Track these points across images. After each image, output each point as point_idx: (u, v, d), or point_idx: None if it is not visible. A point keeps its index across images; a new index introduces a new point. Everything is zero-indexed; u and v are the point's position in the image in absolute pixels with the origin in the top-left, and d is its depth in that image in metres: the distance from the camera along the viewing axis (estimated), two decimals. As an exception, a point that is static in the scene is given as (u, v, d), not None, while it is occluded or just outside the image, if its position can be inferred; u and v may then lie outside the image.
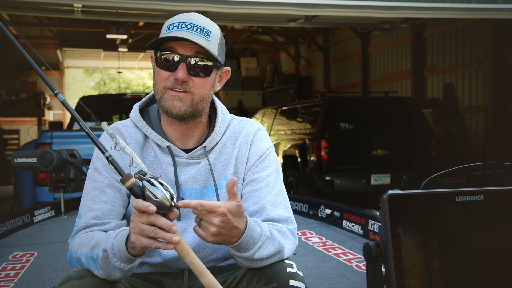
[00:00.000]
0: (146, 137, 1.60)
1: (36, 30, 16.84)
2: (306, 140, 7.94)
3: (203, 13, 6.30)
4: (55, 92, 1.33)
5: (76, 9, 7.24)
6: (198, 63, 1.50)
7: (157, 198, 1.24)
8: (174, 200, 1.26)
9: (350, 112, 7.90)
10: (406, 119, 8.03)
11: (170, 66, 1.50)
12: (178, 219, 1.57)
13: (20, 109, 15.68)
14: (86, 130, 1.30)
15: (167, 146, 1.57)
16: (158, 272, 1.60)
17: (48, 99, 17.23)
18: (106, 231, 1.47)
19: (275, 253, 1.44)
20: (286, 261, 1.46)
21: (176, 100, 1.50)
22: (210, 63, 1.52)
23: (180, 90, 1.50)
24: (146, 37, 16.50)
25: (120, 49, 16.36)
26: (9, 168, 7.45)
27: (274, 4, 6.44)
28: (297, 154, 8.14)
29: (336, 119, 7.70)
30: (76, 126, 6.67)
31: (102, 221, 1.50)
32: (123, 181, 1.26)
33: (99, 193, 1.53)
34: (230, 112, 1.72)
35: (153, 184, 1.25)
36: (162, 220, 1.23)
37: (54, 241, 3.66)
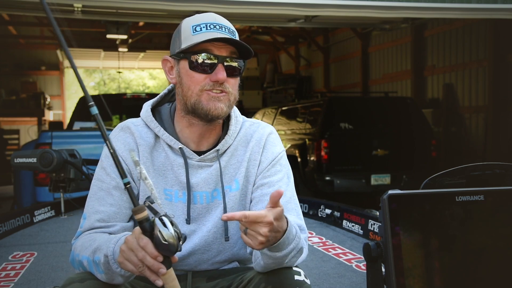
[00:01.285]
0: (157, 137, 1.57)
1: (36, 30, 16.82)
2: (306, 140, 7.93)
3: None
4: (90, 103, 1.30)
5: (76, 9, 7.24)
6: (232, 63, 1.51)
7: (165, 240, 1.18)
8: (181, 243, 1.21)
9: (350, 112, 7.90)
10: (406, 119, 8.03)
11: (206, 68, 1.49)
12: (188, 222, 1.55)
13: (20, 109, 15.67)
14: (111, 151, 1.26)
15: (180, 148, 1.55)
16: (162, 274, 1.59)
17: (48, 99, 17.22)
18: (110, 233, 1.46)
19: (297, 255, 1.42)
20: (294, 268, 1.43)
21: (217, 101, 1.49)
22: (242, 63, 1.53)
23: (219, 91, 1.49)
24: (146, 37, 16.51)
25: (120, 49, 16.34)
26: (9, 168, 7.45)
27: (274, 4, 6.43)
28: (297, 154, 8.13)
29: (336, 119, 7.70)
30: (76, 126, 6.66)
31: (107, 223, 1.48)
32: (134, 212, 1.21)
33: (106, 195, 1.50)
34: None
35: (164, 224, 1.19)
36: (149, 262, 1.19)
37: (54, 241, 3.66)
